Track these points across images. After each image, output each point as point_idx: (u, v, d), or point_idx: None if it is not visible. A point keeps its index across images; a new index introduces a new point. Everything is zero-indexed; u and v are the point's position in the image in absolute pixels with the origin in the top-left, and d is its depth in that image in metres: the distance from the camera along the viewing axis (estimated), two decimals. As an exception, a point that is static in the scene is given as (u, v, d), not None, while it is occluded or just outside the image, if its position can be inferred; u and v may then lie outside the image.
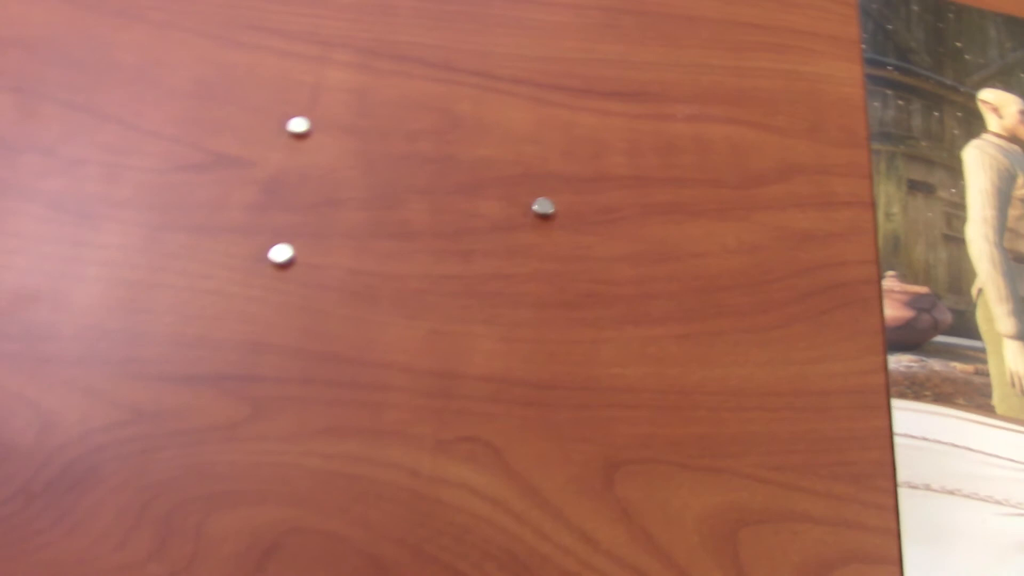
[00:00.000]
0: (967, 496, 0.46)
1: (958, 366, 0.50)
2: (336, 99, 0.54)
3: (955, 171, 0.57)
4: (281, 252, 0.48)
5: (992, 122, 0.60)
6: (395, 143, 0.53)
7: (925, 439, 0.48)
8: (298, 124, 0.52)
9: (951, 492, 0.46)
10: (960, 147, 0.58)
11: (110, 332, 0.45)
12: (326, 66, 0.55)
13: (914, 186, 0.56)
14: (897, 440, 0.47)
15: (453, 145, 0.53)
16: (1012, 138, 0.59)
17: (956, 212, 0.55)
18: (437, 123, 0.54)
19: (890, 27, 0.62)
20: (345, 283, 0.48)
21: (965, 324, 0.52)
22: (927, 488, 0.46)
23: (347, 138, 0.53)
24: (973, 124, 0.59)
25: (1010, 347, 0.51)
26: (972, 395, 0.49)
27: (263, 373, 0.45)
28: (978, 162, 0.58)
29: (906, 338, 0.50)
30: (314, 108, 0.53)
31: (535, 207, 0.51)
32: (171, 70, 0.53)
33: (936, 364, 0.50)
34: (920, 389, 0.49)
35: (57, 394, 0.43)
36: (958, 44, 0.63)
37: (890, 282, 0.52)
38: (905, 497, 0.46)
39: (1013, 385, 0.50)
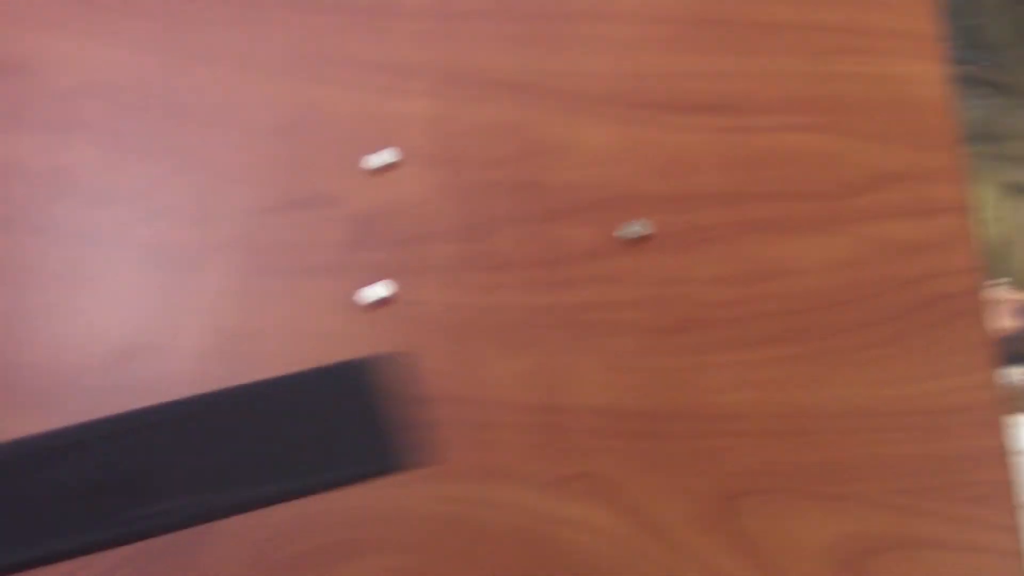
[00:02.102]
0: (1098, 512, 0.45)
1: (1076, 375, 0.48)
2: (418, 130, 0.53)
3: (1054, 170, 0.55)
4: (377, 290, 0.47)
5: (1087, 116, 0.58)
6: (480, 171, 0.52)
7: (1049, 454, 0.46)
8: (381, 157, 0.51)
9: (1081, 509, 0.45)
10: (1057, 144, 0.56)
11: (213, 380, 0.45)
12: (405, 97, 0.54)
13: (1016, 188, 0.54)
14: (1017, 458, 0.46)
15: (539, 170, 0.52)
16: (1109, 132, 0.57)
17: (1059, 213, 0.54)
18: (521, 148, 0.53)
19: (975, 22, 0.61)
20: (442, 318, 0.47)
21: (1079, 330, 0.50)
22: (1056, 506, 0.45)
23: (431, 169, 0.52)
24: (1068, 120, 0.58)
25: None
26: (1094, 405, 0.48)
27: (370, 417, 0.44)
28: (1077, 159, 0.56)
29: (1020, 349, 0.49)
30: (395, 140, 0.53)
31: (627, 230, 0.50)
32: (252, 111, 0.53)
33: (1053, 374, 0.48)
34: (1039, 401, 0.47)
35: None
36: (1045, 36, 0.61)
37: (1000, 291, 0.50)
38: (1033, 516, 0.44)
39: None
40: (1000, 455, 0.46)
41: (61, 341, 0.45)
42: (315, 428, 0.25)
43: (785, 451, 0.45)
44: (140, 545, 0.41)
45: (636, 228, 0.50)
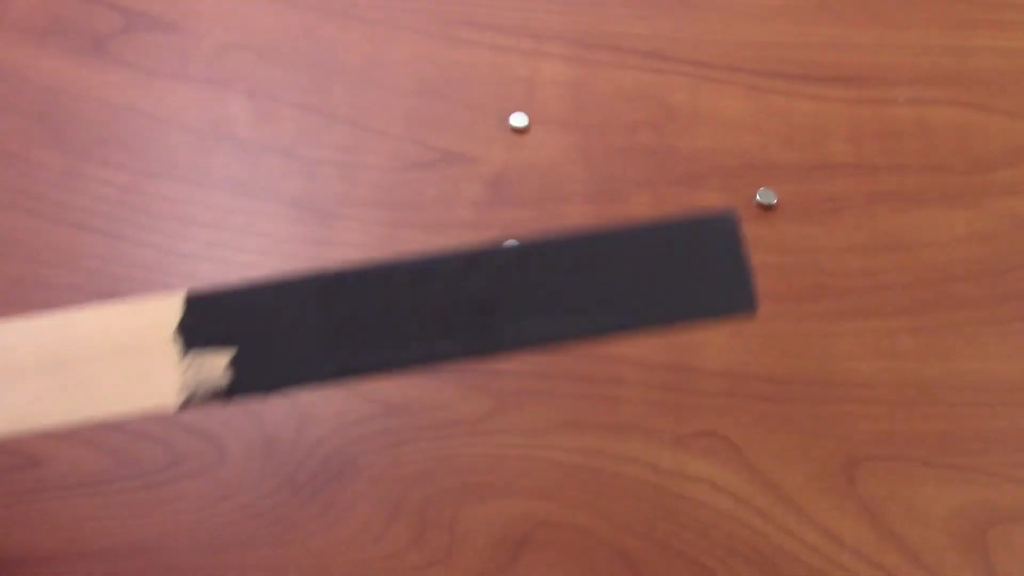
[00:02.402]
0: None
1: None
2: (552, 93, 0.55)
3: None
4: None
5: None
6: (613, 136, 0.53)
7: None
8: (518, 119, 0.53)
9: None
10: None
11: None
12: (541, 59, 0.56)
13: None
14: None
15: (671, 136, 0.53)
16: None
17: None
18: (653, 114, 0.54)
19: (1122, -2, 0.59)
20: (574, 277, 0.49)
21: None
22: None
23: (566, 132, 0.53)
24: None
25: None
26: None
27: (503, 367, 0.46)
28: None
29: None
30: (532, 103, 0.54)
31: (758, 197, 0.51)
32: (393, 69, 0.55)
33: None
34: None
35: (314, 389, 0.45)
36: None
37: None
38: None
39: None
40: None
41: (204, 282, 0.48)
42: (676, 269, 0.30)
43: (908, 420, 0.46)
44: (284, 477, 0.44)
45: (767, 195, 0.51)
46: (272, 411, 0.45)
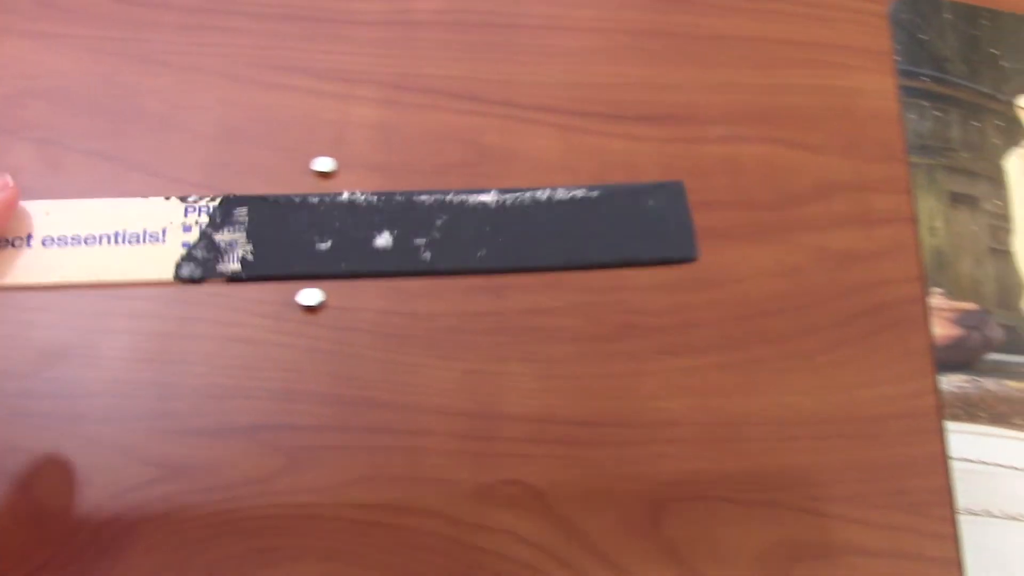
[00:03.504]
0: (1031, 522, 0.44)
1: (1012, 384, 0.48)
2: (362, 136, 0.53)
3: (998, 182, 0.55)
4: (310, 296, 0.47)
5: (1034, 129, 0.58)
6: (423, 178, 0.52)
7: (983, 463, 0.46)
8: (323, 163, 0.52)
9: (1014, 517, 0.44)
10: (1002, 156, 0.56)
11: (141, 387, 0.44)
12: (351, 103, 0.54)
13: (957, 199, 0.54)
14: (954, 465, 0.46)
15: (482, 178, 0.52)
16: (1056, 145, 0.57)
17: (1001, 224, 0.54)
18: (465, 156, 0.53)
19: (923, 36, 0.61)
20: (376, 325, 0.47)
21: (1017, 340, 0.50)
22: (988, 514, 0.44)
23: (373, 175, 0.52)
24: (1014, 132, 0.58)
25: (1066, 363, 0.49)
26: (1030, 415, 0.47)
27: (297, 422, 0.44)
28: (1022, 171, 0.56)
29: (956, 357, 0.49)
30: (340, 146, 0.53)
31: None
32: (195, 114, 0.53)
33: (989, 383, 0.48)
34: (974, 410, 0.47)
35: (88, 453, 0.43)
36: (994, 51, 0.61)
37: (937, 300, 0.50)
38: (965, 525, 0.44)
39: (1072, 403, 0.48)
40: (938, 462, 0.46)
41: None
42: (638, 221, 0.37)
43: (716, 458, 0.45)
44: (54, 549, 0.40)
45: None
46: (41, 478, 0.42)
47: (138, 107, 0.53)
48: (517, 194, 0.36)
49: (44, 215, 0.35)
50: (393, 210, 0.37)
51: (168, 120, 0.53)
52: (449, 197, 0.37)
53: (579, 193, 0.36)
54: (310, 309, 0.47)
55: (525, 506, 0.43)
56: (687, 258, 0.36)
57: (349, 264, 0.36)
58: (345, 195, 0.36)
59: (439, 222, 0.37)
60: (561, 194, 0.37)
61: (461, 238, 0.37)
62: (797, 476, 0.45)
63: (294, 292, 0.47)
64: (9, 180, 0.37)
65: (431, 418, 0.45)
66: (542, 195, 0.37)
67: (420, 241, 0.36)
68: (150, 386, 0.45)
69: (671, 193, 0.37)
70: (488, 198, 0.37)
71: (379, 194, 0.36)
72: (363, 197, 0.36)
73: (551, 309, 0.48)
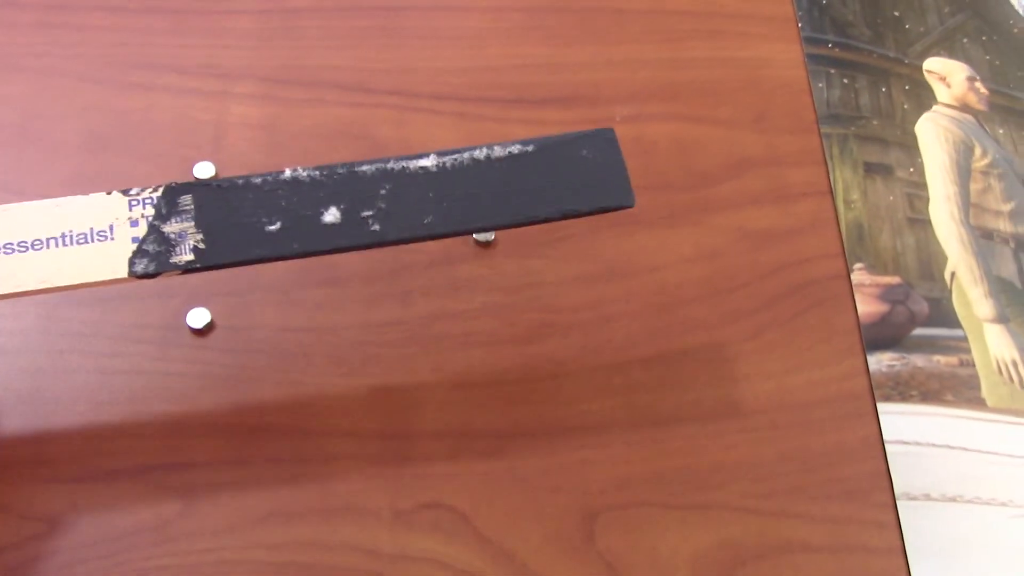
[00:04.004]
0: (970, 501, 0.43)
1: (941, 359, 0.47)
2: (242, 137, 0.49)
3: (911, 148, 0.54)
4: (198, 317, 0.43)
5: (941, 92, 0.57)
6: (314, 180, 0.48)
7: (918, 443, 0.44)
8: (203, 169, 0.47)
9: (952, 499, 0.43)
10: (912, 122, 0.55)
11: (11, 432, 0.40)
12: (228, 101, 0.50)
13: (871, 169, 0.53)
14: (889, 448, 0.44)
15: (378, 175, 0.49)
16: (963, 107, 0.56)
17: (918, 192, 0.52)
18: (358, 151, 0.49)
19: (824, 1, 0.59)
20: (273, 344, 0.43)
21: (942, 312, 0.49)
22: (927, 497, 0.43)
23: (260, 179, 0.48)
24: (923, 96, 0.56)
25: (991, 332, 0.48)
26: (960, 389, 0.46)
27: (192, 458, 0.40)
28: (933, 136, 0.55)
29: (883, 335, 0.47)
30: (219, 149, 0.48)
31: (475, 235, 0.47)
32: (57, 123, 0.48)
33: (918, 360, 0.47)
34: (906, 389, 0.46)
35: (-44, 512, 0.38)
36: (896, 13, 0.60)
37: (859, 275, 0.49)
38: (905, 510, 0.43)
39: (1000, 373, 0.47)
40: (873, 446, 0.45)
41: None
42: (571, 171, 0.38)
43: (645, 461, 0.42)
44: None
45: (484, 232, 0.47)
46: (-101, 549, 0.37)
47: (-11, 118, 0.48)
48: (455, 155, 0.37)
49: None
50: (336, 183, 0.36)
51: (25, 131, 0.48)
52: (390, 165, 0.37)
53: (515, 149, 0.37)
54: (198, 332, 0.43)
55: (448, 530, 0.40)
56: (625, 204, 0.38)
57: (301, 244, 0.35)
58: (287, 172, 0.36)
59: (383, 191, 0.36)
60: (498, 151, 0.37)
61: (407, 206, 0.36)
62: (732, 473, 0.43)
63: (178, 314, 0.43)
64: None
65: (340, 442, 0.41)
66: (480, 154, 0.37)
67: (368, 213, 0.36)
68: (24, 430, 0.40)
69: (603, 141, 0.38)
70: (428, 162, 0.37)
71: (320, 168, 0.36)
72: (305, 173, 0.36)
73: (460, 313, 0.45)
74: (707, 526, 0.41)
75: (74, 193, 0.46)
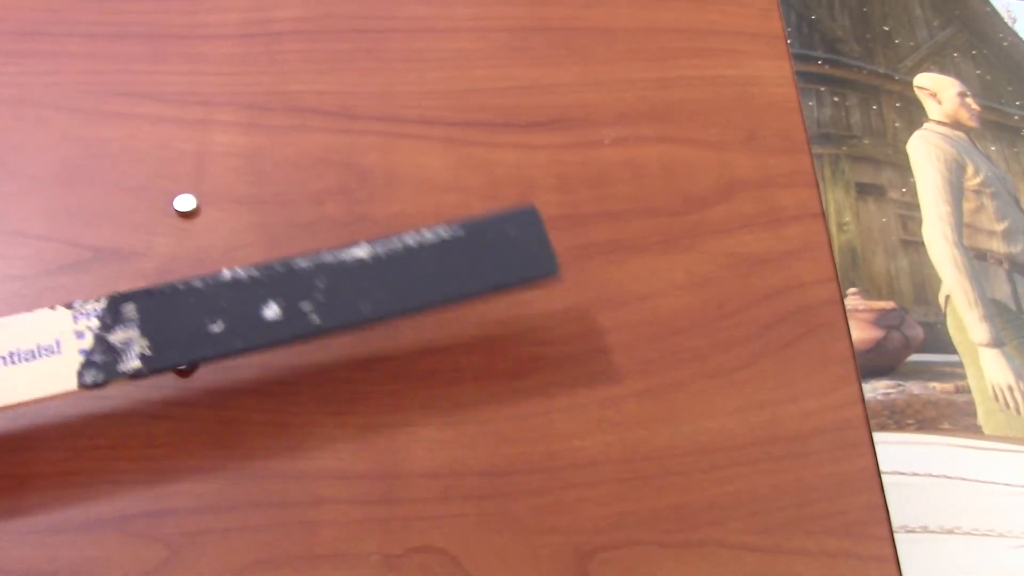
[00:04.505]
0: (968, 533, 0.42)
1: (937, 386, 0.46)
2: (225, 166, 0.48)
3: (903, 168, 0.53)
4: (181, 357, 0.42)
5: (932, 109, 0.56)
6: (298, 209, 0.47)
7: (915, 474, 0.44)
8: (184, 202, 0.46)
9: (950, 531, 0.42)
10: (904, 141, 0.54)
11: None
12: (210, 129, 0.49)
13: (863, 190, 0.52)
14: (886, 479, 0.43)
15: (363, 204, 0.48)
16: (955, 124, 0.56)
17: (910, 213, 0.52)
18: (343, 180, 0.48)
19: (814, 17, 0.58)
20: (257, 383, 0.42)
21: (937, 337, 0.48)
22: (925, 530, 0.42)
23: (241, 210, 0.47)
24: (914, 113, 0.56)
25: (987, 356, 0.48)
26: (957, 417, 0.45)
27: (174, 505, 0.39)
28: (924, 155, 0.54)
29: (878, 362, 0.47)
30: (201, 180, 0.47)
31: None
32: (30, 155, 0.47)
33: (914, 387, 0.46)
34: (901, 418, 0.45)
35: (-68, 568, 0.37)
36: (886, 28, 0.59)
37: (853, 300, 0.48)
38: (903, 543, 0.42)
39: (996, 399, 0.46)
40: (869, 478, 0.44)
41: None
42: (495, 251, 0.40)
43: (639, 498, 0.42)
44: None
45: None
46: None
47: (-38, 151, 0.46)
48: (388, 244, 0.39)
49: None
50: (274, 280, 0.38)
51: (0, 164, 0.46)
52: (326, 258, 0.38)
53: (445, 234, 0.40)
54: (182, 372, 0.42)
55: (440, 574, 0.39)
56: (549, 273, 0.40)
57: (245, 341, 0.37)
58: (226, 273, 0.37)
59: (320, 284, 0.38)
60: (429, 237, 0.40)
61: (344, 296, 0.38)
62: (727, 508, 0.42)
63: (160, 355, 0.42)
64: None
65: (326, 484, 0.40)
66: (412, 241, 0.39)
67: (306, 306, 0.38)
68: None
69: (526, 217, 0.41)
70: (362, 252, 0.39)
71: (258, 267, 0.38)
72: (244, 273, 0.38)
73: (450, 347, 0.44)
74: (703, 565, 0.41)
75: (52, 228, 0.45)
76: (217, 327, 0.37)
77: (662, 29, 0.57)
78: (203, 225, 0.46)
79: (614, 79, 0.54)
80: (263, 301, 0.37)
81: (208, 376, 0.42)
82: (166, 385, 0.42)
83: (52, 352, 0.36)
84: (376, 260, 0.39)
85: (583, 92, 0.53)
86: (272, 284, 0.38)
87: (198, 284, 0.37)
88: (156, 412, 0.41)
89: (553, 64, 0.54)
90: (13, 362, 0.35)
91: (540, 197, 0.49)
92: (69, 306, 0.36)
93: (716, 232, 0.50)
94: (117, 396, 0.41)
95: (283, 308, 0.37)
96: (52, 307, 0.36)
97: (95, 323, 0.36)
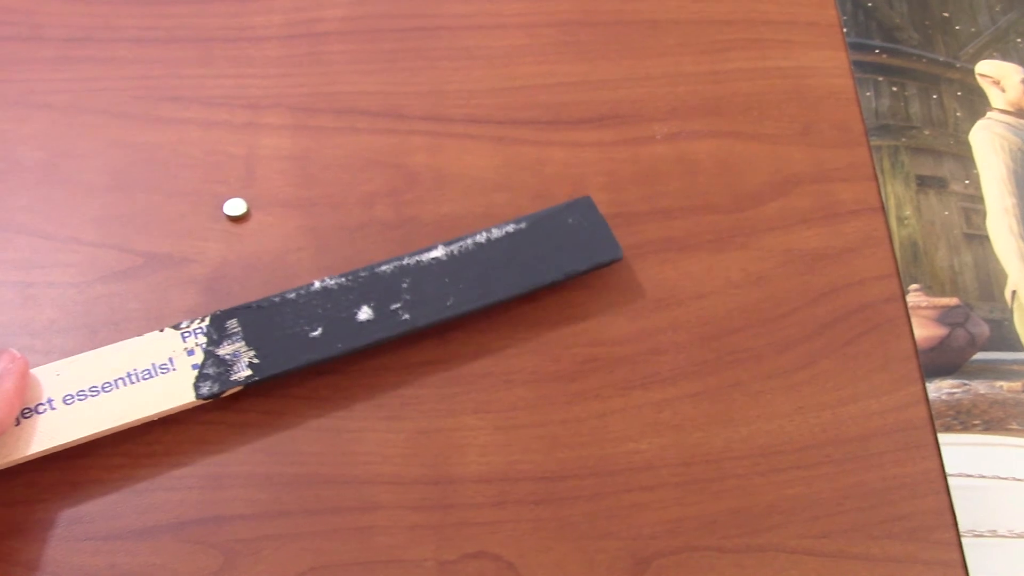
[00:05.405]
0: (1039, 538, 0.41)
1: (1004, 385, 0.45)
2: (274, 169, 0.48)
3: (965, 159, 0.52)
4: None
5: (995, 97, 0.54)
6: (347, 212, 0.47)
7: (982, 476, 0.42)
8: (234, 206, 0.46)
9: (1021, 535, 0.41)
10: (966, 131, 0.53)
11: (47, 489, 0.39)
12: (258, 133, 0.49)
13: (924, 182, 0.51)
14: (952, 482, 0.42)
15: (413, 205, 0.47)
16: (1019, 112, 0.54)
17: (974, 206, 0.50)
18: (391, 182, 0.48)
19: (870, 4, 0.57)
20: (309, 388, 0.42)
21: (1004, 335, 0.46)
22: (994, 534, 0.41)
23: (291, 214, 0.46)
24: (976, 102, 0.54)
25: (1056, 353, 0.46)
26: (1025, 417, 0.44)
27: (230, 512, 0.39)
28: (988, 145, 0.52)
29: (942, 360, 0.45)
30: (250, 185, 0.47)
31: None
32: (81, 162, 0.47)
33: (980, 386, 0.45)
34: (967, 418, 0.44)
35: (-7, 576, 0.37)
36: (945, 14, 0.57)
37: (915, 297, 0.47)
38: (971, 548, 0.41)
39: (1067, 398, 0.45)
40: (935, 480, 0.43)
41: None
42: (560, 241, 0.43)
43: (697, 502, 0.41)
44: None
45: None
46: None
47: (13, 158, 0.47)
48: (460, 243, 0.42)
49: (55, 376, 0.37)
50: (362, 285, 0.41)
51: (52, 170, 0.47)
52: (406, 261, 0.42)
53: (510, 228, 0.43)
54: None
55: (495, 581, 0.39)
56: (615, 258, 0.44)
57: (344, 343, 0.40)
58: (317, 284, 0.41)
59: (404, 285, 0.41)
60: (496, 233, 0.43)
61: (428, 294, 0.41)
62: (787, 512, 0.41)
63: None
64: (15, 352, 0.37)
65: (381, 490, 0.40)
66: (482, 238, 0.43)
67: (396, 306, 0.41)
68: (58, 487, 0.39)
69: (584, 207, 0.44)
70: (438, 253, 0.42)
71: (345, 275, 0.41)
72: (333, 282, 0.41)
73: (501, 349, 0.44)
74: (763, 570, 0.40)
75: (106, 235, 0.45)
76: (317, 332, 0.40)
77: (713, 21, 0.56)
78: (253, 229, 0.46)
79: (665, 73, 0.53)
80: (356, 305, 0.40)
81: (261, 384, 0.42)
82: (219, 391, 0.42)
83: (168, 370, 0.38)
84: (452, 259, 0.42)
85: (633, 87, 0.52)
86: (361, 289, 0.41)
87: (292, 295, 0.40)
88: (211, 419, 0.41)
89: (602, 59, 0.53)
90: (132, 381, 0.38)
91: (591, 195, 0.48)
92: (176, 327, 0.39)
93: (772, 228, 0.49)
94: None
95: (374, 310, 0.40)
96: (161, 330, 0.39)
97: (203, 340, 0.39)
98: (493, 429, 0.42)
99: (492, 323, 0.44)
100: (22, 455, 0.36)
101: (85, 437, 0.37)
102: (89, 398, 0.37)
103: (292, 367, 0.39)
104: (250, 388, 0.40)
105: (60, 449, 0.37)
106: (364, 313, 0.40)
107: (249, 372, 0.39)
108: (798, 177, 0.50)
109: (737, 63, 0.54)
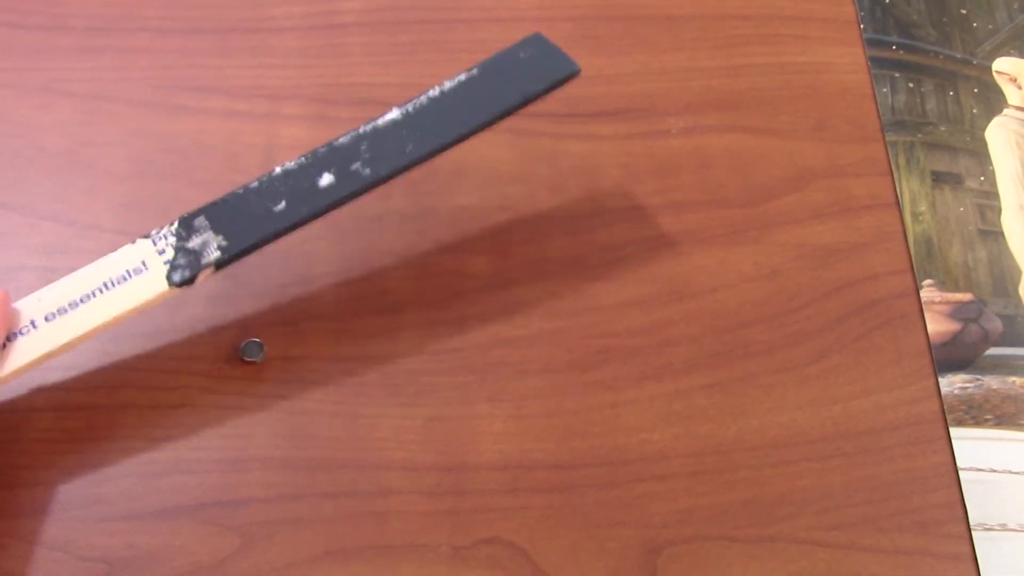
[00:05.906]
0: (1049, 532, 0.41)
1: (1017, 381, 0.45)
2: (292, 159, 0.48)
3: (981, 156, 0.52)
4: (252, 348, 0.42)
5: (1012, 94, 0.54)
6: (364, 202, 0.47)
7: (994, 471, 0.43)
8: (253, 194, 0.46)
9: (1031, 530, 0.41)
10: (982, 128, 0.53)
11: (67, 471, 0.40)
12: (278, 122, 0.49)
13: (939, 178, 0.51)
14: (963, 476, 0.42)
15: (430, 196, 0.48)
16: (1035, 109, 0.54)
17: (989, 202, 0.50)
18: (409, 173, 0.48)
19: (888, 1, 0.57)
20: (327, 374, 0.43)
21: (1017, 331, 0.47)
22: (1004, 528, 0.41)
23: (310, 203, 0.47)
24: (992, 99, 0.54)
25: (1069, 350, 0.46)
26: (1037, 413, 0.44)
27: (248, 495, 0.40)
28: (1004, 142, 0.52)
29: (955, 355, 0.45)
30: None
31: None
32: (105, 150, 0.48)
33: (993, 381, 0.45)
34: (979, 413, 0.44)
35: (18, 555, 0.38)
36: (963, 11, 0.57)
37: (928, 292, 0.47)
38: (981, 541, 0.41)
39: (1079, 394, 0.45)
40: (946, 474, 0.43)
41: None
42: (517, 72, 0.43)
43: (708, 492, 0.41)
44: None
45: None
46: (-41, 593, 0.37)
47: (38, 146, 0.47)
48: (415, 101, 0.42)
49: (37, 302, 0.38)
50: (322, 158, 0.41)
51: (74, 159, 0.47)
52: (362, 129, 0.41)
53: (463, 77, 0.42)
54: (252, 364, 0.42)
55: (508, 567, 0.39)
56: (572, 71, 0.43)
57: (309, 208, 0.40)
58: (278, 169, 0.41)
59: (363, 147, 0.41)
60: (449, 85, 0.42)
61: (388, 149, 0.41)
62: (798, 504, 0.41)
63: (232, 346, 0.43)
64: None
65: (396, 475, 0.41)
66: (435, 92, 0.42)
67: (356, 165, 0.41)
68: (78, 468, 0.40)
69: (535, 41, 0.44)
70: (395, 115, 0.42)
71: (304, 155, 0.41)
72: (294, 163, 0.41)
73: (517, 339, 0.44)
74: (773, 561, 0.40)
75: (126, 222, 0.45)
76: (280, 206, 0.40)
77: (728, 16, 0.56)
78: (272, 218, 0.46)
79: (680, 68, 0.53)
80: (317, 175, 0.40)
81: (279, 368, 0.42)
82: (238, 376, 0.42)
83: (141, 271, 0.39)
84: (408, 116, 0.41)
85: (649, 81, 0.53)
86: (322, 161, 0.41)
87: (255, 184, 0.40)
88: (229, 404, 0.42)
89: (618, 53, 0.54)
90: (108, 288, 0.38)
91: (605, 188, 0.49)
92: (147, 236, 0.39)
93: (785, 223, 0.49)
94: (187, 387, 0.42)
95: (335, 174, 0.40)
96: (132, 241, 0.39)
97: (172, 240, 0.39)
98: (507, 417, 0.42)
99: (507, 313, 0.44)
100: (9, 371, 0.37)
101: (68, 343, 0.38)
102: (70, 312, 0.38)
103: (259, 240, 0.39)
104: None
105: (47, 359, 0.38)
106: (325, 179, 0.40)
107: (218, 254, 0.39)
108: (812, 172, 0.51)
109: (753, 58, 0.54)
